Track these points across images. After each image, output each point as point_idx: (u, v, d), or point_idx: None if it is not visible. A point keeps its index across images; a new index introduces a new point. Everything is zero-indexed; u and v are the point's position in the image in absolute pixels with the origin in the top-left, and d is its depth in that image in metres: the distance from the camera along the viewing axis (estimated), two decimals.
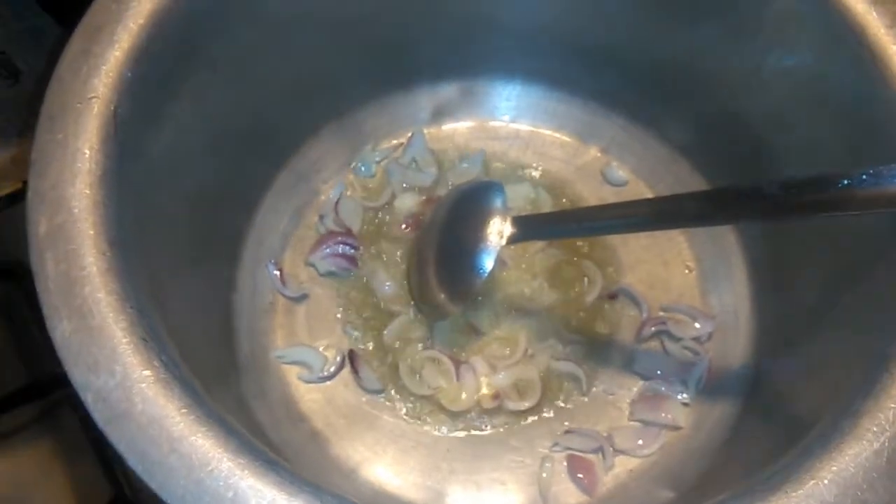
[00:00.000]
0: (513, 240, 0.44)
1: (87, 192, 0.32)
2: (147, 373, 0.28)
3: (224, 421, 0.28)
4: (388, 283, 0.51)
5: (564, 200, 0.54)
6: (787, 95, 0.42)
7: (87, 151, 0.33)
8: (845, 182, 0.33)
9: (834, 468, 0.27)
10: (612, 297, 0.51)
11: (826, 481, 0.27)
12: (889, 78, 0.36)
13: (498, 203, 0.46)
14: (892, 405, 0.28)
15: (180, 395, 0.28)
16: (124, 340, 0.29)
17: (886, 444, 0.27)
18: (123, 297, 0.30)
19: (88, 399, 0.28)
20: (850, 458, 0.27)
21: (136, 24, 0.36)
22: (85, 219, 0.31)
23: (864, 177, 0.33)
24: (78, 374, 0.28)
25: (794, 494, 0.27)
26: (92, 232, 0.31)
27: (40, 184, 0.32)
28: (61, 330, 0.29)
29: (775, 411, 0.40)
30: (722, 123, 0.49)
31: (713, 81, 0.47)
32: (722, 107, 0.48)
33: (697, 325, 0.49)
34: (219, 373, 0.43)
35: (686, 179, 0.53)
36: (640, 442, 0.46)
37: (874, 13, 0.37)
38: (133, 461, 0.27)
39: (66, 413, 0.51)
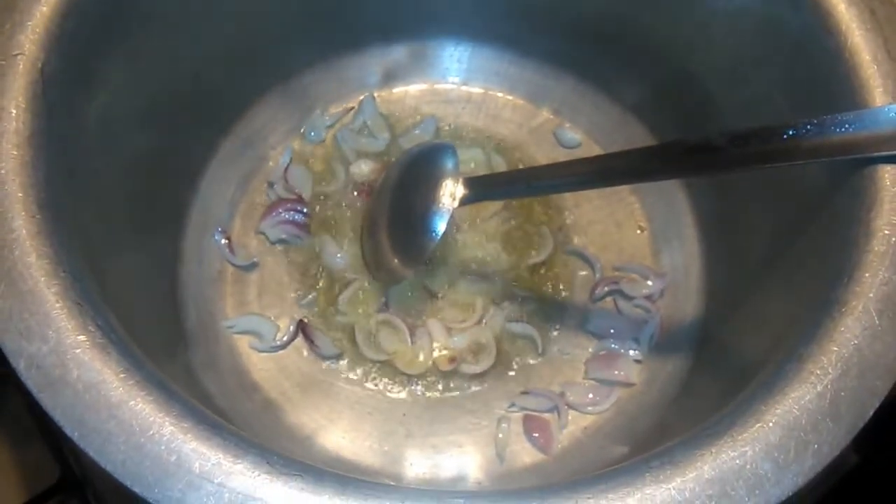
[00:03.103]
0: (465, 201, 0.44)
1: (14, 152, 0.31)
2: (82, 337, 0.27)
3: (165, 385, 0.27)
4: (339, 251, 0.50)
5: (518, 163, 0.54)
6: (733, 51, 0.42)
7: (14, 110, 0.31)
8: (790, 132, 0.33)
9: (778, 411, 0.27)
10: (566, 257, 0.51)
11: (771, 424, 0.27)
12: (831, 27, 0.36)
13: (450, 165, 0.45)
14: (835, 348, 0.28)
15: (118, 360, 0.27)
16: (57, 305, 0.28)
17: (829, 386, 0.28)
18: (55, 261, 0.29)
19: (21, 366, 0.27)
20: (794, 400, 0.28)
21: None
22: (12, 180, 0.30)
23: (808, 127, 0.33)
24: (10, 341, 0.27)
25: (740, 438, 0.27)
26: (21, 194, 0.30)
27: None
28: None
29: (723, 364, 0.41)
30: (671, 81, 0.49)
31: (662, 40, 0.47)
32: (671, 65, 0.48)
33: (649, 284, 0.49)
34: (166, 343, 0.42)
35: (638, 139, 0.53)
36: (593, 398, 0.46)
37: None
38: (69, 428, 0.26)
39: (9, 394, 0.49)
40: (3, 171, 0.30)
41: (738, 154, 0.35)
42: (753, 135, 0.34)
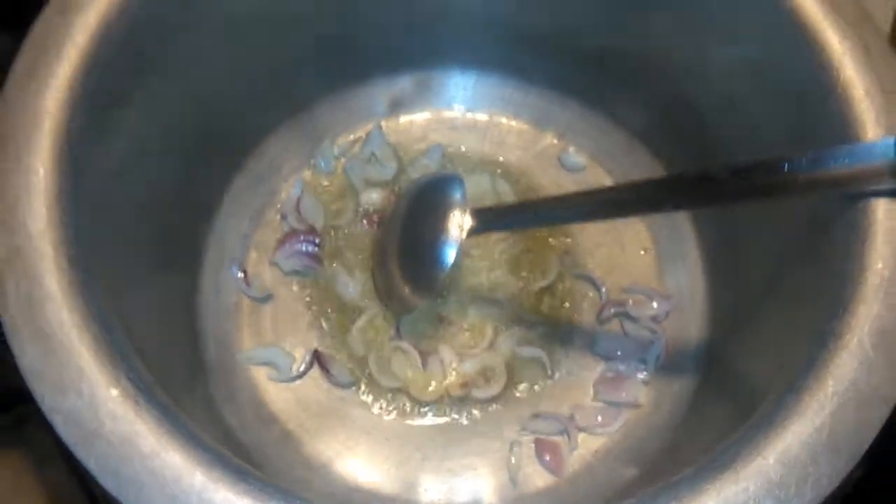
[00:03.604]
0: (473, 232, 0.45)
1: (44, 211, 0.32)
2: (115, 391, 0.29)
3: (194, 435, 0.29)
4: (351, 280, 0.51)
5: (523, 188, 0.55)
6: (733, 82, 0.43)
7: (42, 170, 0.33)
8: (788, 166, 0.35)
9: (779, 446, 0.29)
10: (572, 280, 0.52)
11: (772, 459, 0.28)
12: (824, 61, 0.37)
13: (457, 196, 0.47)
14: (832, 382, 0.30)
15: (149, 411, 0.29)
16: (90, 359, 0.29)
17: (828, 419, 0.29)
18: (87, 314, 0.30)
19: (58, 421, 0.28)
20: (794, 434, 0.29)
21: (83, 38, 0.36)
22: (43, 238, 0.31)
23: (805, 161, 0.34)
24: (46, 396, 0.29)
25: (742, 472, 0.28)
26: (51, 251, 0.31)
27: None
28: (26, 352, 0.29)
29: (728, 387, 0.42)
30: (672, 108, 0.50)
31: (663, 68, 0.48)
32: (672, 93, 0.49)
33: (655, 305, 0.50)
34: (186, 379, 0.44)
35: (642, 163, 0.54)
36: (602, 420, 0.48)
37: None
38: (105, 480, 0.27)
39: (35, 424, 0.51)
40: (34, 230, 0.31)
41: (739, 186, 0.36)
42: (754, 168, 0.36)
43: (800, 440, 0.29)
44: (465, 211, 0.46)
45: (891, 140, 0.33)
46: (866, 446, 0.29)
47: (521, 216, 0.46)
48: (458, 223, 0.45)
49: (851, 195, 0.34)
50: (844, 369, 0.30)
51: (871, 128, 0.35)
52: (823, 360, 0.30)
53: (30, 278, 0.31)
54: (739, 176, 0.36)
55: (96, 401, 0.29)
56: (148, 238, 0.43)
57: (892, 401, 0.30)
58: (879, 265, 0.32)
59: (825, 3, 0.38)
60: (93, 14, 0.36)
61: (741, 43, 0.41)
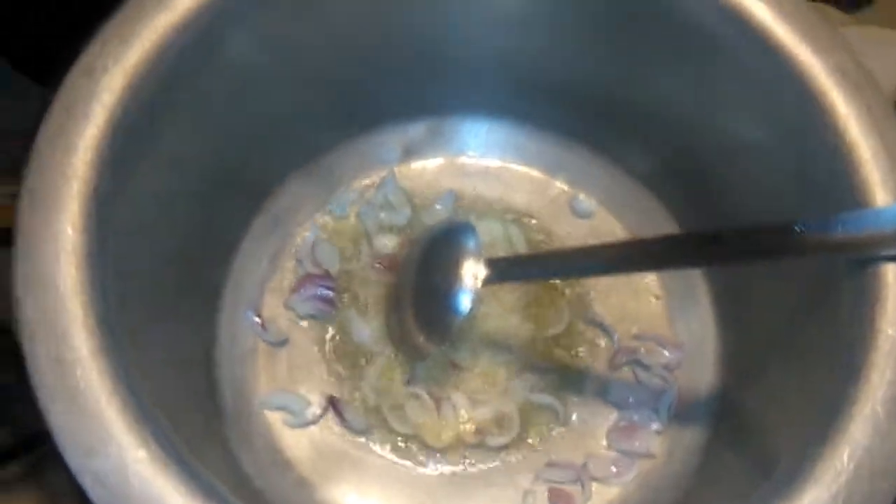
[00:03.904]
0: (487, 282, 0.46)
1: (73, 272, 0.33)
2: (142, 453, 0.29)
3: (221, 496, 0.29)
4: (366, 325, 0.52)
5: (534, 233, 0.56)
6: (738, 139, 0.44)
7: (71, 231, 0.34)
8: (796, 229, 0.35)
9: None
10: (584, 327, 0.52)
11: None
12: (828, 123, 0.38)
13: (471, 245, 0.48)
14: (847, 450, 0.30)
15: (176, 472, 0.29)
16: (117, 421, 0.30)
17: (842, 488, 0.29)
18: (115, 377, 0.31)
19: (87, 483, 0.29)
20: (810, 502, 0.29)
21: (111, 98, 0.37)
22: (73, 300, 0.32)
23: (813, 224, 0.35)
24: (74, 459, 0.29)
25: None
26: (80, 312, 0.32)
27: (26, 266, 0.33)
28: (56, 414, 0.30)
29: (741, 440, 0.42)
30: (678, 158, 0.51)
31: (670, 121, 0.49)
32: (678, 144, 0.50)
33: (666, 354, 0.51)
34: (205, 427, 0.44)
35: (651, 210, 0.55)
36: (616, 470, 0.48)
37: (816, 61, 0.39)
38: None
39: (52, 465, 0.51)
40: (64, 292, 0.32)
41: (748, 247, 0.37)
42: (763, 230, 0.37)
43: None
44: (479, 260, 0.46)
45: None
46: None
47: (534, 268, 0.47)
48: (473, 272, 0.46)
49: (860, 259, 0.35)
50: (858, 437, 0.30)
51: (879, 192, 0.36)
52: (836, 427, 0.31)
53: (60, 340, 0.31)
54: (748, 237, 0.37)
55: (124, 463, 0.29)
56: (168, 287, 0.44)
57: None
58: (890, 331, 0.32)
59: (830, 65, 0.39)
60: (119, 75, 0.37)
61: (748, 104, 0.42)
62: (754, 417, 0.43)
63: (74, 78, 0.37)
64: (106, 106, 0.37)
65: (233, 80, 0.45)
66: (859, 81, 0.38)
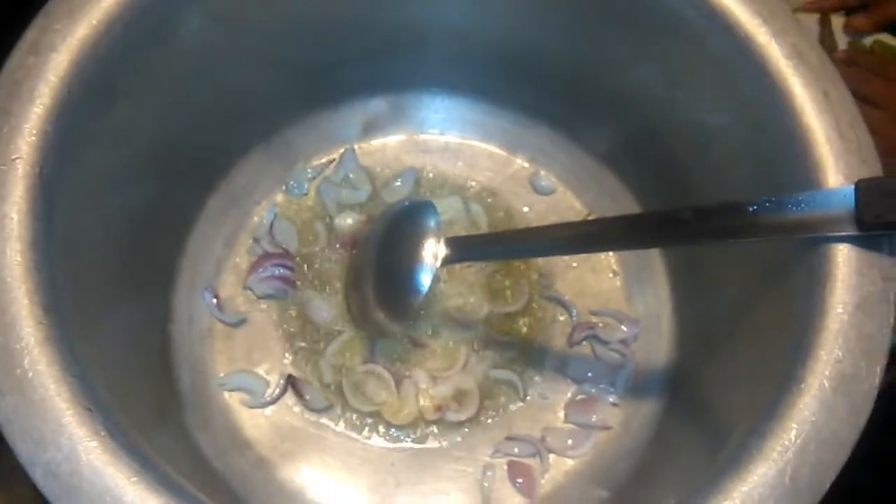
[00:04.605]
0: (447, 261, 0.46)
1: (19, 259, 0.32)
2: (94, 443, 0.29)
3: (174, 483, 0.29)
4: (325, 304, 0.52)
5: (495, 210, 0.56)
6: (696, 117, 0.45)
7: (16, 216, 0.33)
8: (751, 209, 0.36)
9: (744, 489, 0.30)
10: (544, 303, 0.53)
11: (738, 502, 0.30)
12: (786, 107, 0.38)
13: (431, 224, 0.47)
14: (794, 425, 0.31)
15: (128, 463, 0.29)
16: (68, 412, 0.29)
17: (790, 462, 0.30)
18: (63, 366, 0.30)
19: (37, 475, 0.28)
20: (758, 477, 0.30)
21: (56, 77, 0.36)
22: (19, 287, 0.31)
23: (768, 204, 0.36)
24: (25, 450, 0.29)
25: None
26: (27, 301, 0.31)
27: None
28: (4, 405, 0.29)
29: (694, 413, 0.43)
30: (638, 137, 0.51)
31: (630, 101, 0.49)
32: (638, 122, 0.50)
33: (624, 329, 0.52)
34: (161, 410, 0.44)
35: (610, 186, 0.55)
36: (573, 442, 0.49)
37: (774, 44, 0.39)
38: None
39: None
40: (9, 280, 0.31)
41: (703, 227, 0.38)
42: (718, 210, 0.37)
43: (763, 482, 0.30)
44: (439, 239, 0.46)
45: (850, 188, 0.34)
46: (826, 487, 0.30)
47: (493, 248, 0.47)
48: (433, 251, 0.46)
49: (813, 239, 0.35)
50: (806, 413, 0.31)
51: (831, 174, 0.36)
52: (786, 403, 0.32)
53: (7, 330, 0.30)
54: (703, 217, 0.37)
55: (75, 454, 0.29)
56: (121, 268, 0.43)
57: (851, 444, 0.31)
58: (839, 310, 0.33)
59: (787, 48, 0.39)
60: (66, 53, 0.36)
61: (708, 85, 0.43)
62: (708, 391, 0.44)
63: (19, 57, 0.36)
64: (52, 85, 0.36)
65: (186, 58, 0.44)
66: (816, 65, 0.39)
